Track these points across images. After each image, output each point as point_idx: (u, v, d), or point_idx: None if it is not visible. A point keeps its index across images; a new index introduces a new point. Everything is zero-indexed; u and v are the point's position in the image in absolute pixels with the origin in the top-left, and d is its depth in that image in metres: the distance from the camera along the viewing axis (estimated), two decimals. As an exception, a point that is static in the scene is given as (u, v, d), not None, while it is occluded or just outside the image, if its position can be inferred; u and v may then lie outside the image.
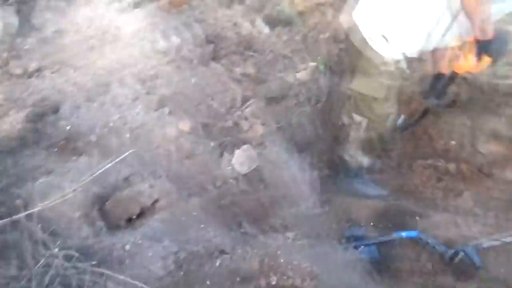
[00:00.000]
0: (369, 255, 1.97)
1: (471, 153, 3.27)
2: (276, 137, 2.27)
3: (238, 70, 2.46)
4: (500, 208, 2.61)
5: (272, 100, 2.55)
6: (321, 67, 2.87)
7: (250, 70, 2.51)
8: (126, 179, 1.56)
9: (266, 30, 2.76)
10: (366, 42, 2.06)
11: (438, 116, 3.56)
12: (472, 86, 3.25)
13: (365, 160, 2.59)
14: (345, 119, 2.61)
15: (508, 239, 2.06)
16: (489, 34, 1.80)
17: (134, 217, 1.44)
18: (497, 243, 2.05)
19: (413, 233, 2.09)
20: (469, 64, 2.00)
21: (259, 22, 2.74)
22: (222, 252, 1.39)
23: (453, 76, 2.21)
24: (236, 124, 2.01)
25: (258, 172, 1.90)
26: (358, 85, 2.23)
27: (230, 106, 2.14)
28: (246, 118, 2.15)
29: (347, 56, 2.51)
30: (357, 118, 2.41)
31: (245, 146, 1.80)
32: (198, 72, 2.16)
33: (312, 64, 2.86)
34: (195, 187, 1.60)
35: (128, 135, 1.79)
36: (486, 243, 2.04)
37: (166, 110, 1.91)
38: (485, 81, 3.12)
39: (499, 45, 1.90)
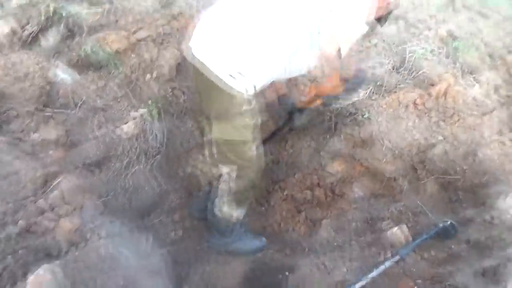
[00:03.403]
0: None
1: (321, 175, 3.31)
2: (102, 219, 1.73)
3: (34, 138, 1.82)
4: (358, 230, 2.63)
5: (92, 167, 1.99)
6: (154, 112, 2.44)
7: (54, 134, 1.90)
8: None
9: (73, 77, 2.18)
10: (225, 82, 1.74)
11: (285, 141, 3.54)
12: (311, 110, 3.30)
13: (238, 212, 2.24)
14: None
15: (374, 273, 2.03)
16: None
17: None
18: (367, 281, 1.98)
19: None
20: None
21: (62, 67, 2.14)
22: None
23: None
24: (30, 225, 1.40)
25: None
26: (221, 132, 1.89)
27: (23, 196, 1.51)
28: (52, 208, 1.55)
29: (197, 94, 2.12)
30: (225, 169, 2.05)
31: (45, 265, 1.21)
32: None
33: (142, 110, 2.40)
34: None
35: None
36: (357, 284, 1.96)
37: None
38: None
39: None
